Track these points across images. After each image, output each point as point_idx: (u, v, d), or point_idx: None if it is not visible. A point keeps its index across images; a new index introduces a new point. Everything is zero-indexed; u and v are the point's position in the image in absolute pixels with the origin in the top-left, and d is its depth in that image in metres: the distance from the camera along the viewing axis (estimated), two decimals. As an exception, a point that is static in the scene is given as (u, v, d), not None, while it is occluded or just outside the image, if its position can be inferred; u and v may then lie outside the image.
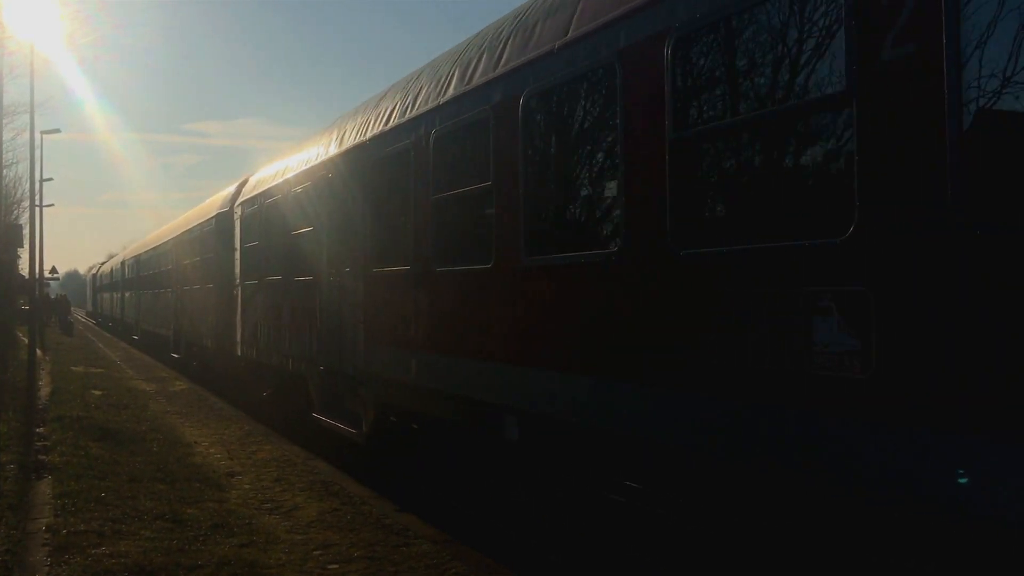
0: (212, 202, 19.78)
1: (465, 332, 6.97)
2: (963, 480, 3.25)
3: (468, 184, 7.05)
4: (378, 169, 8.95)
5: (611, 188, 5.45)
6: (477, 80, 6.92)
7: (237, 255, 15.71)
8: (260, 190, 13.92)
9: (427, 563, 6.50)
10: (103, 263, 64.74)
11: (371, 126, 9.29)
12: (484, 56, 6.97)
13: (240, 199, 15.82)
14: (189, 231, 21.69)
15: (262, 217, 13.62)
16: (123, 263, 41.74)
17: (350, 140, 9.89)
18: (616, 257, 5.21)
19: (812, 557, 4.14)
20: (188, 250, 21.73)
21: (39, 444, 11.34)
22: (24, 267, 35.33)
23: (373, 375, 9.00)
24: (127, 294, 40.34)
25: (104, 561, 6.41)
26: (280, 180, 12.66)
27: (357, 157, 9.51)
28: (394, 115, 8.63)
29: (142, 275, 33.03)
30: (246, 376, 15.60)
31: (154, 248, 29.81)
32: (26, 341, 27.40)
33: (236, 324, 15.50)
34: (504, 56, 6.61)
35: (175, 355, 24.06)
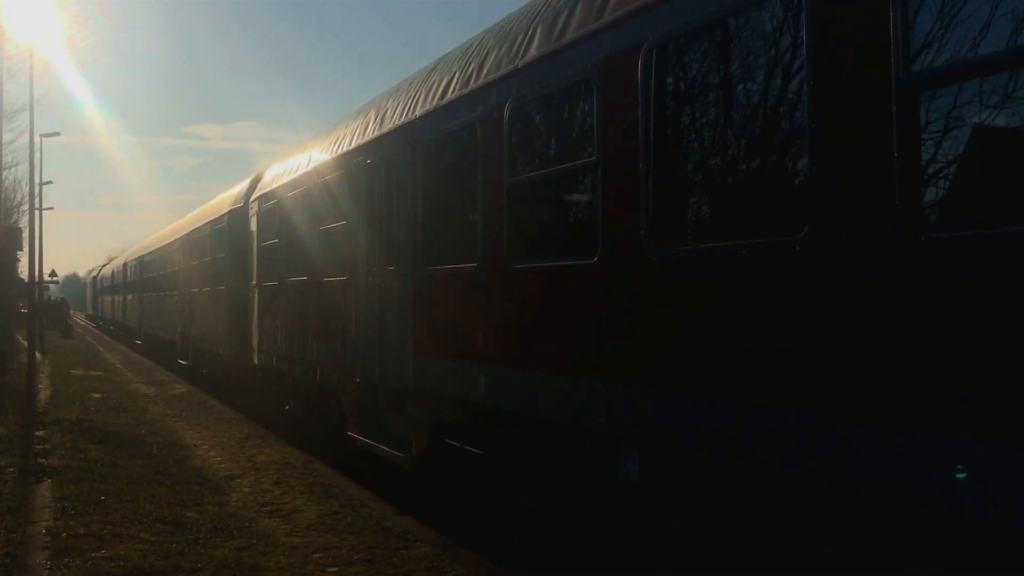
0: (223, 199, 18.54)
1: (556, 343, 5.79)
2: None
3: (560, 162, 5.98)
4: (432, 151, 7.79)
5: (801, 156, 4.13)
6: (572, 35, 5.69)
7: (253, 254, 14.50)
8: (280, 183, 12.70)
9: (427, 566, 6.49)
10: (104, 265, 63.53)
11: (421, 102, 8.08)
12: (579, 6, 5.73)
13: (256, 194, 14.58)
14: (198, 230, 20.40)
15: (283, 212, 12.38)
16: (125, 265, 40.23)
17: (394, 120, 8.65)
18: (811, 245, 3.93)
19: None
20: (196, 250, 20.45)
21: (39, 447, 11.32)
22: (24, 270, 35.34)
23: (425, 390, 7.75)
24: (129, 297, 38.81)
25: (104, 564, 6.40)
26: (305, 170, 11.46)
27: (404, 138, 8.28)
28: (452, 87, 7.44)
29: (146, 277, 31.46)
30: (265, 387, 14.39)
31: (159, 249, 28.34)
32: (25, 344, 27.39)
33: (252, 330, 14.29)
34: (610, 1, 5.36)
35: (182, 361, 22.61)
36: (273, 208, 13.09)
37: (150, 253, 30.82)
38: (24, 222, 34.46)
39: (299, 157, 12.29)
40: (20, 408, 15.03)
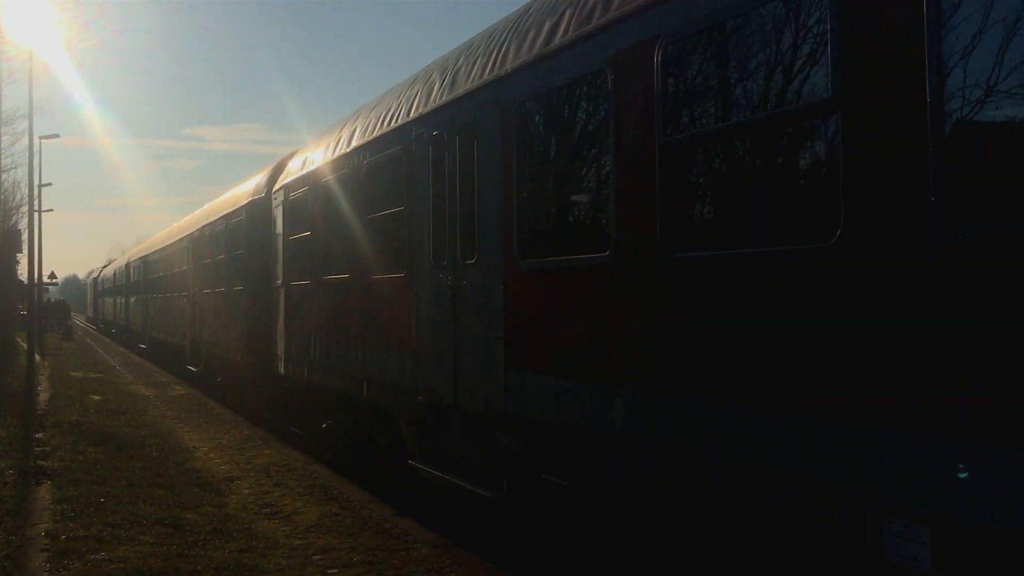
0: (240, 191, 16.63)
1: (774, 363, 4.15)
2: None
3: (759, 107, 4.41)
4: (534, 110, 6.33)
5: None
6: None
7: (278, 251, 12.91)
8: (310, 168, 11.18)
9: (427, 567, 6.49)
10: (105, 266, 61.47)
11: (513, 53, 6.53)
12: None
13: (280, 182, 12.93)
14: (210, 225, 18.54)
15: (316, 201, 10.80)
16: (128, 265, 38.18)
17: (472, 79, 7.12)
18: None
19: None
20: (209, 247, 18.68)
21: (38, 449, 11.32)
22: (23, 272, 35.34)
23: (522, 414, 6.20)
24: (132, 298, 36.71)
25: (103, 567, 6.40)
26: (343, 152, 9.85)
27: (490, 98, 6.71)
28: (561, 28, 5.90)
29: (151, 277, 29.36)
30: (293, 400, 12.71)
31: (165, 247, 26.19)
32: (25, 346, 27.39)
33: (278, 335, 12.72)
34: None
35: (192, 368, 20.63)
36: (303, 197, 11.50)
37: (155, 252, 28.78)
38: (23, 224, 34.52)
39: (333, 139, 10.75)
40: (20, 410, 15.02)
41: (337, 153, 10.21)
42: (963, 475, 3.25)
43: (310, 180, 11.17)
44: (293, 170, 12.47)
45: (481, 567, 6.56)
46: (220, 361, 17.56)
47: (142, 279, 32.02)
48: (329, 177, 10.37)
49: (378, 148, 8.91)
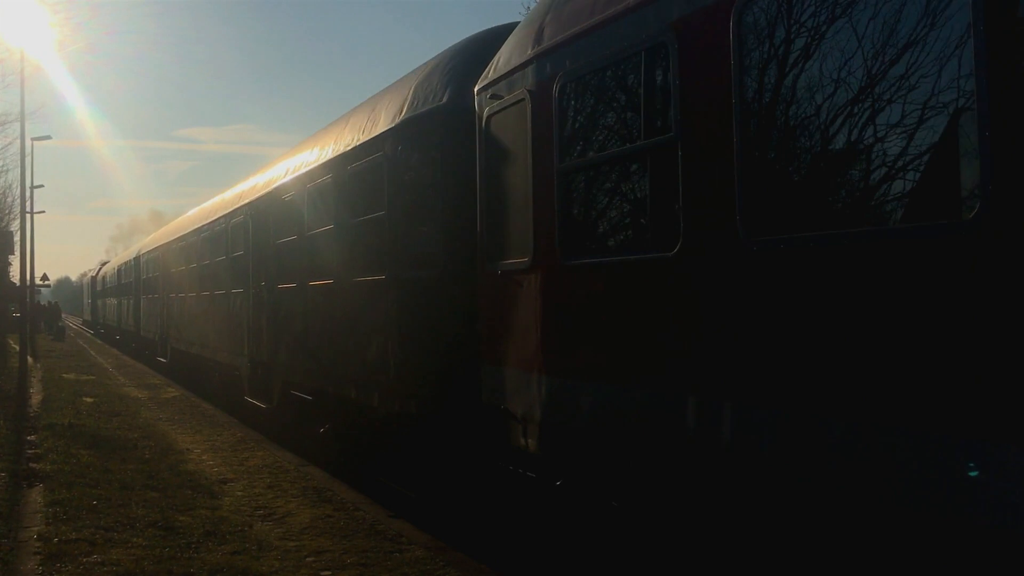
0: (361, 117, 9.56)
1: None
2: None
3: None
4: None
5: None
6: None
7: (523, 193, 6.27)
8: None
9: (421, 569, 6.49)
10: (105, 263, 55.72)
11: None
12: None
13: (491, 76, 6.59)
14: (285, 187, 11.88)
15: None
16: (138, 258, 31.10)
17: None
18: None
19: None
20: (284, 220, 11.99)
21: (30, 452, 11.29)
22: (15, 274, 35.25)
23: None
24: (144, 299, 29.31)
25: (96, 570, 6.38)
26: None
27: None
28: None
29: (173, 272, 22.60)
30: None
31: (195, 231, 19.71)
32: (17, 348, 27.32)
33: (505, 358, 6.56)
34: None
35: (257, 403, 13.34)
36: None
37: (178, 240, 22.19)
38: (15, 226, 34.41)
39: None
40: (12, 413, 14.98)
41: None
42: None
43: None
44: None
45: (475, 569, 6.56)
46: (321, 398, 10.57)
47: (160, 274, 25.43)
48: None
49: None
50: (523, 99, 6.04)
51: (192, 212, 23.39)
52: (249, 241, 14.10)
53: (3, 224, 36.28)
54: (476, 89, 6.85)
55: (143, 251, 30.51)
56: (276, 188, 12.47)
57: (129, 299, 34.55)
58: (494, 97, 6.51)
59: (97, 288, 53.84)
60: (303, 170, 11.21)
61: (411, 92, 8.18)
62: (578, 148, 5.66)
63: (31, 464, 10.40)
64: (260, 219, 13.42)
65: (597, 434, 5.44)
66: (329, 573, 6.46)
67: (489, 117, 6.59)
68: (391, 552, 6.92)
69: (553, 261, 5.73)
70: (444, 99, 7.52)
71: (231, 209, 15.85)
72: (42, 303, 53.31)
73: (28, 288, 29.30)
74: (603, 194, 5.69)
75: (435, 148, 7.60)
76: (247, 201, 14.41)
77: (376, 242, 8.59)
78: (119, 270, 39.32)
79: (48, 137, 39.21)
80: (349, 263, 9.40)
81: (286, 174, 12.17)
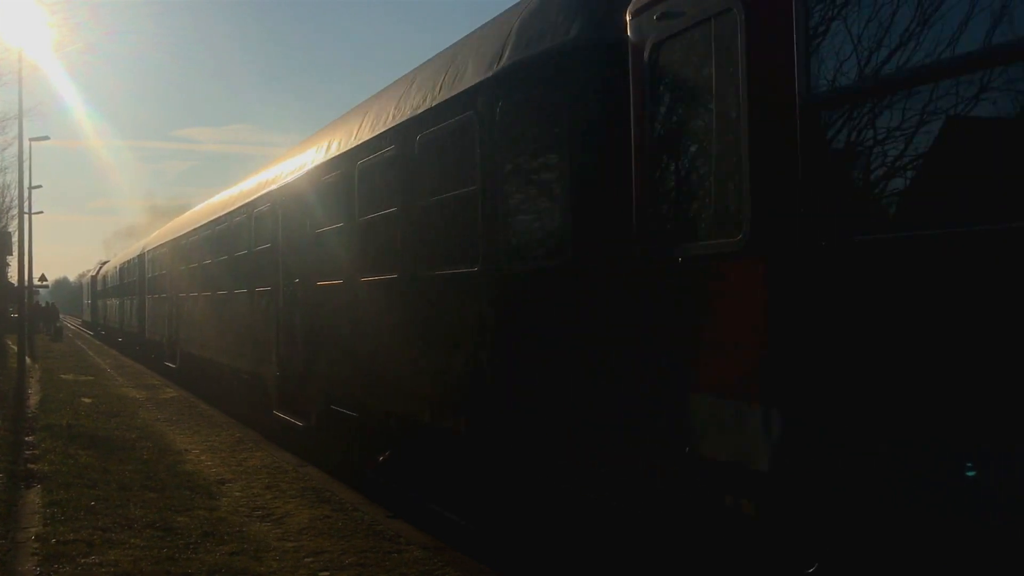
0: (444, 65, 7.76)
1: None
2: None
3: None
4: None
5: None
6: None
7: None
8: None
9: (419, 570, 6.48)
10: (104, 262, 53.42)
11: None
12: None
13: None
14: (321, 168, 10.35)
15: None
16: (142, 256, 28.97)
17: None
18: None
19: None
20: (323, 208, 10.31)
21: (28, 453, 11.27)
22: (13, 275, 35.24)
23: None
24: (150, 299, 27.15)
25: (94, 570, 6.37)
26: None
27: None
28: None
29: (183, 270, 20.67)
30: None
31: (210, 223, 17.60)
32: (15, 349, 27.30)
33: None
34: None
35: (293, 421, 11.29)
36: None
37: (191, 233, 19.93)
38: (13, 226, 34.42)
39: None
40: (10, 413, 14.96)
41: None
42: None
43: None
44: None
45: (474, 569, 6.55)
46: (373, 417, 8.95)
47: (168, 272, 23.30)
48: None
49: None
50: (730, 9, 4.36)
51: (200, 207, 21.70)
52: (278, 232, 12.25)
53: (1, 224, 36.32)
54: (631, 9, 5.14)
55: (148, 247, 28.20)
56: (313, 169, 10.59)
57: (132, 299, 32.27)
58: (667, 16, 4.80)
59: (97, 288, 51.39)
60: (351, 145, 9.31)
61: (514, 31, 6.50)
62: (853, 67, 3.82)
63: (29, 465, 10.38)
64: (292, 207, 11.56)
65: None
66: (328, 573, 6.45)
67: (658, 45, 4.92)
68: (390, 552, 6.91)
69: (796, 240, 4.03)
70: (573, 31, 5.78)
71: (253, 198, 14.02)
72: (40, 304, 53.20)
73: (26, 288, 29.29)
74: (910, 130, 3.61)
75: (560, 96, 5.80)
76: (275, 187, 12.51)
77: (463, 226, 6.94)
78: (121, 269, 36.98)
79: (46, 138, 39.28)
80: (420, 253, 7.62)
81: (326, 153, 10.25)
